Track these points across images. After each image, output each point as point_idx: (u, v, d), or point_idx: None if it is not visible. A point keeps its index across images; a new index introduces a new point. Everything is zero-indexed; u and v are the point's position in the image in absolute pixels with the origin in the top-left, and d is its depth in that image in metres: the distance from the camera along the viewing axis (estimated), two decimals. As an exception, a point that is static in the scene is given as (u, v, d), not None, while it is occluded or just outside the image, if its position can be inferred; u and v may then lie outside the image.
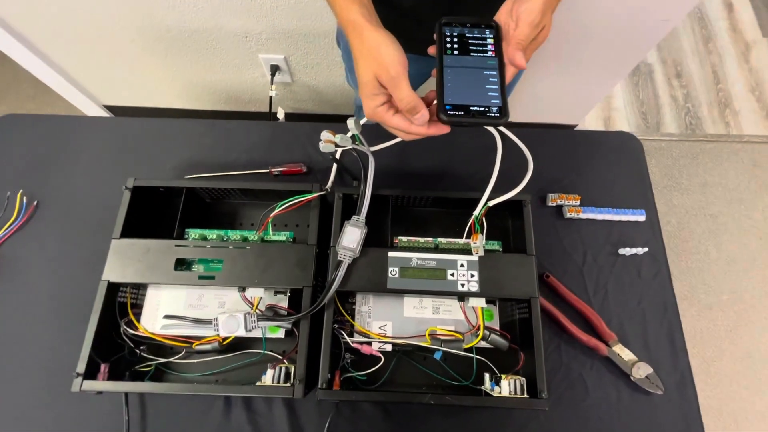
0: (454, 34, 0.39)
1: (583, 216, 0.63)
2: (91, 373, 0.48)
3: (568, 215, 0.63)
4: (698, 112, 1.59)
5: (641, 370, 0.55)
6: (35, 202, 0.65)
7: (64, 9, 1.01)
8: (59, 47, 1.15)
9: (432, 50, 0.40)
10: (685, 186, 1.50)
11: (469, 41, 0.39)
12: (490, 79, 0.37)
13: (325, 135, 0.49)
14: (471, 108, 0.35)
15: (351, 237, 0.51)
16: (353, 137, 0.50)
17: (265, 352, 0.54)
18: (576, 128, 1.43)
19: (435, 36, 0.40)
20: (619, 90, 1.63)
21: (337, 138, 0.48)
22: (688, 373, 0.56)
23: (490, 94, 0.36)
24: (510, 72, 0.38)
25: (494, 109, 0.35)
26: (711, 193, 1.49)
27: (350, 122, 0.48)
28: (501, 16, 0.40)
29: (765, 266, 1.38)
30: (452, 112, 0.35)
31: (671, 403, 0.55)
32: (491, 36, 0.39)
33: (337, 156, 0.60)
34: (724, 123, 1.58)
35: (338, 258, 0.51)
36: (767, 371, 1.26)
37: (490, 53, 0.38)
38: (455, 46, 0.39)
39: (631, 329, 0.58)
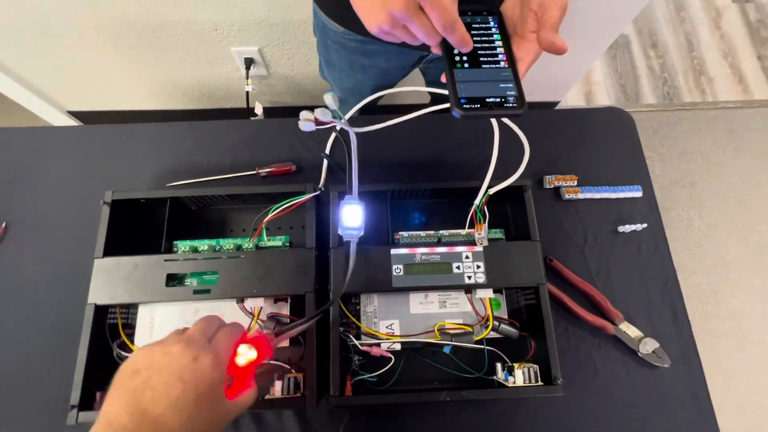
0: None
1: (581, 196, 0.62)
2: (86, 403, 0.45)
3: (566, 196, 0.62)
4: (675, 81, 1.61)
5: (648, 346, 0.55)
6: (3, 224, 0.60)
7: (12, 6, 0.93)
8: (11, 50, 1.06)
9: (437, 48, 0.37)
10: (666, 156, 1.52)
11: (473, 31, 0.37)
12: (503, 69, 0.35)
13: (305, 114, 0.46)
14: (487, 100, 0.34)
15: (351, 216, 0.48)
16: (333, 113, 0.47)
17: (270, 362, 0.52)
18: (558, 105, 1.43)
19: None
20: (597, 63, 1.63)
21: (318, 112, 0.46)
22: (692, 344, 0.57)
23: (503, 84, 0.35)
24: (530, 58, 0.36)
25: (511, 98, 0.34)
26: (690, 161, 1.52)
27: (327, 97, 0.45)
28: (507, 8, 0.38)
29: (744, 228, 1.43)
30: (468, 106, 0.34)
31: (678, 375, 0.56)
32: (495, 24, 0.37)
33: (327, 151, 0.57)
34: (699, 91, 1.61)
35: (345, 239, 0.49)
36: (751, 328, 1.32)
37: (497, 42, 0.36)
38: None
39: (635, 306, 0.59)
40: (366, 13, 0.33)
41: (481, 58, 0.36)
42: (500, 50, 0.36)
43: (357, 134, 0.51)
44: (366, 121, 0.64)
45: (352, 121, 0.65)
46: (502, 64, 0.36)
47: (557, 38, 0.34)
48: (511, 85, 0.35)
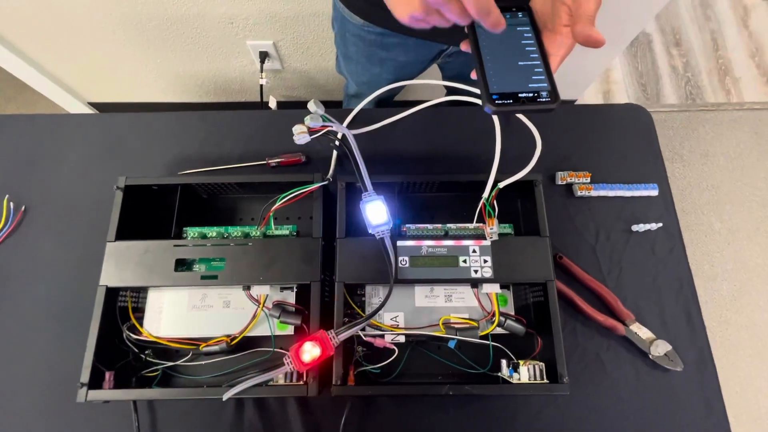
0: None
1: (594, 194, 0.61)
2: (95, 382, 0.46)
3: (578, 193, 0.61)
4: (698, 80, 1.56)
5: (660, 348, 0.54)
6: (23, 207, 0.62)
7: (38, 2, 0.96)
8: (37, 42, 1.10)
9: (465, 45, 0.37)
10: (687, 157, 1.48)
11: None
12: (534, 64, 0.35)
13: (297, 128, 0.47)
14: (520, 95, 0.33)
15: (375, 212, 0.48)
16: (322, 117, 0.48)
17: (275, 350, 0.52)
18: (575, 103, 1.40)
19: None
20: (617, 62, 1.59)
21: (307, 120, 0.46)
22: (707, 348, 0.55)
23: (536, 78, 0.34)
24: (563, 53, 0.36)
25: (544, 93, 0.34)
26: (712, 163, 1.47)
27: (311, 104, 0.46)
28: (537, 3, 0.38)
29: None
30: (500, 101, 0.33)
31: (691, 380, 0.54)
32: (525, 19, 0.37)
33: (336, 143, 0.57)
34: (724, 91, 1.55)
35: (377, 237, 0.48)
36: (772, 338, 1.27)
37: (528, 37, 0.36)
38: (491, 33, 0.36)
39: (648, 307, 0.57)
40: (397, 2, 0.33)
41: (512, 54, 0.36)
42: (531, 45, 0.36)
43: (361, 132, 0.51)
44: (369, 119, 0.64)
45: (358, 118, 0.65)
46: (534, 59, 0.35)
47: (594, 31, 0.34)
48: (543, 78, 0.34)
